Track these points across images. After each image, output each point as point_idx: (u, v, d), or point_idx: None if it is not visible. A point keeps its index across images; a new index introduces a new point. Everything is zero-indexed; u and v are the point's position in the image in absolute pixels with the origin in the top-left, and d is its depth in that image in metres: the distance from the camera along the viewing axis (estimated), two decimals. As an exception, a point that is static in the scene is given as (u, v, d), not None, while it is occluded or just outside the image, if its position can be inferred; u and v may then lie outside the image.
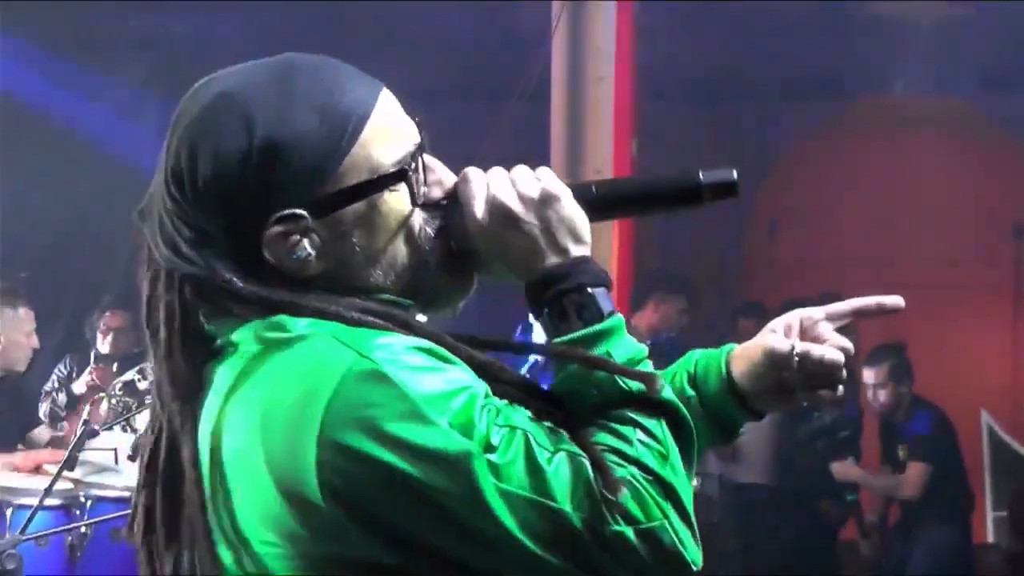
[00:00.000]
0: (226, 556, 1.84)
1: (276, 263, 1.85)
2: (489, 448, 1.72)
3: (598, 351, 1.86)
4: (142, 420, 6.74)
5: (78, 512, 6.02)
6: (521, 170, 1.96)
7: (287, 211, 1.84)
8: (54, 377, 7.67)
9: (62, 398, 7.61)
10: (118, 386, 7.11)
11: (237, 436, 1.81)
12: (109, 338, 7.93)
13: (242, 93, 1.86)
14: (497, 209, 1.91)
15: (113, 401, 6.96)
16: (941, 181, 10.75)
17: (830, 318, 2.23)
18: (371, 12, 9.62)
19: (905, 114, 11.02)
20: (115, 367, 7.71)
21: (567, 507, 1.72)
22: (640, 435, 1.81)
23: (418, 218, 1.92)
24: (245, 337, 1.84)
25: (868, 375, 8.03)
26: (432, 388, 1.74)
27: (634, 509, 1.74)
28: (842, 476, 8.18)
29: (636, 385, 1.84)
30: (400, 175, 1.89)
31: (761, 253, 11.29)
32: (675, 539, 1.77)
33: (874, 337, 8.97)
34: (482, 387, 1.79)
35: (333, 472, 1.72)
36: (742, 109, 11.39)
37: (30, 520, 5.41)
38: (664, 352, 7.79)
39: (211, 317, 1.88)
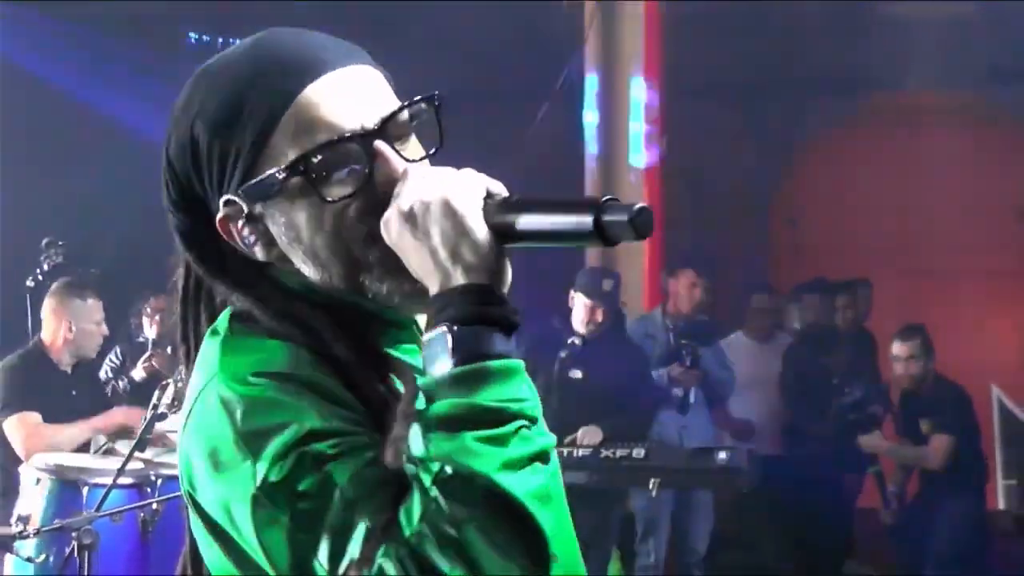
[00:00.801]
0: None
1: (242, 247, 1.78)
2: (285, 491, 1.57)
3: (445, 403, 1.54)
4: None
5: (149, 490, 6.02)
6: (439, 172, 1.67)
7: (227, 197, 1.74)
8: (107, 367, 7.63)
9: (123, 385, 7.58)
10: (183, 371, 7.09)
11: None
12: (156, 320, 7.86)
13: (198, 81, 1.79)
14: (394, 215, 1.64)
15: (179, 385, 6.94)
16: (953, 170, 10.69)
17: None
18: (404, 12, 9.57)
19: (918, 107, 10.97)
20: (169, 350, 7.69)
21: (322, 570, 1.55)
22: (432, 512, 1.50)
23: (343, 216, 1.70)
24: (219, 328, 1.81)
25: (898, 350, 7.97)
26: (251, 426, 1.62)
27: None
28: (870, 448, 8.14)
29: (453, 458, 1.52)
30: (298, 168, 1.69)
31: (786, 240, 11.24)
32: None
33: (895, 317, 8.94)
34: (311, 427, 1.59)
35: (185, 481, 1.72)
36: (766, 106, 11.34)
37: (105, 498, 5.43)
38: (696, 333, 7.80)
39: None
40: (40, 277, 7.18)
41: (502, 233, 1.61)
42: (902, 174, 10.78)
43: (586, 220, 1.57)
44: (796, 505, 8.35)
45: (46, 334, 6.83)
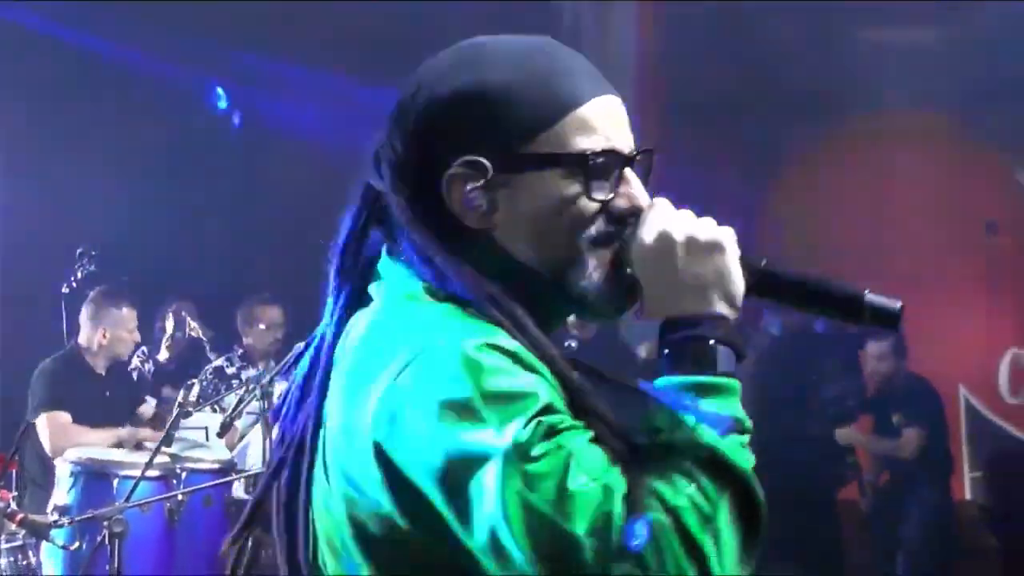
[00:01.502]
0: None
1: (447, 202, 1.75)
2: (526, 457, 1.53)
3: (702, 402, 1.65)
4: (229, 401, 6.80)
5: (175, 482, 6.07)
6: (706, 218, 1.80)
7: (474, 157, 1.74)
8: (137, 359, 7.62)
9: (148, 368, 7.59)
10: (209, 371, 7.13)
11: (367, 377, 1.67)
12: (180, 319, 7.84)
13: (482, 51, 1.81)
14: (663, 239, 1.74)
15: (203, 384, 6.98)
16: (924, 186, 10.70)
17: None
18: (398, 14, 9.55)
19: (891, 127, 10.97)
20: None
21: (580, 532, 1.51)
22: (693, 490, 1.57)
23: (588, 214, 1.77)
24: (387, 288, 1.77)
25: (872, 349, 8.05)
26: (496, 388, 1.57)
27: (649, 557, 1.51)
28: (847, 440, 8.18)
29: (717, 444, 1.62)
30: (580, 161, 1.75)
31: (770, 250, 11.25)
32: None
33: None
34: (548, 400, 1.60)
35: (382, 429, 1.62)
36: (753, 123, 11.33)
37: (134, 489, 5.47)
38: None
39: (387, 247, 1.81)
40: (74, 284, 7.22)
41: (757, 281, 1.80)
42: (877, 188, 10.79)
43: (856, 296, 1.80)
44: (781, 493, 8.37)
45: (83, 339, 6.87)
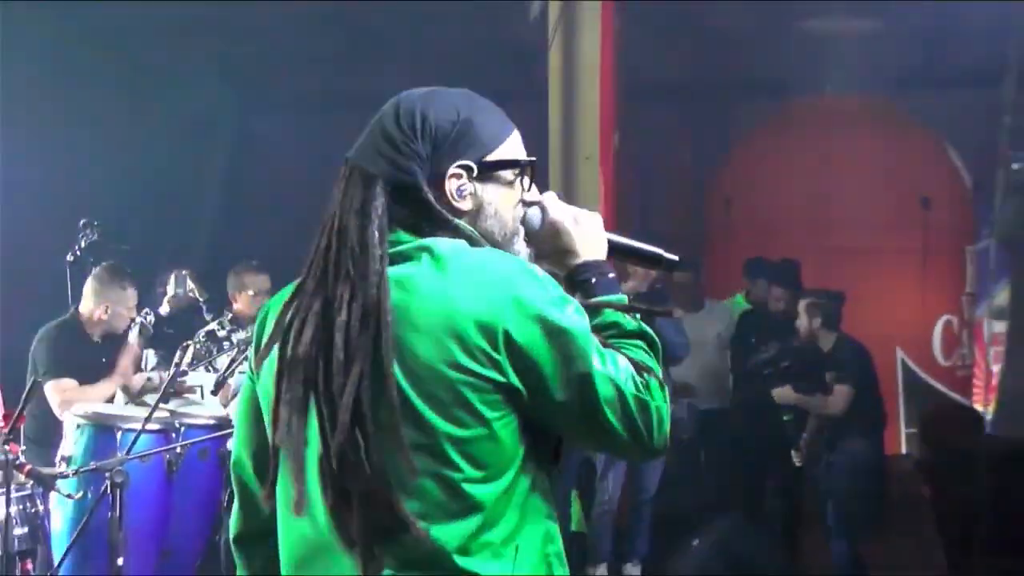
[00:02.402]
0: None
1: (447, 195, 2.26)
2: (587, 330, 2.22)
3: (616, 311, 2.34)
4: (221, 362, 6.77)
5: (173, 435, 6.04)
6: (579, 209, 2.46)
7: (465, 162, 2.27)
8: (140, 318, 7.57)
9: (150, 320, 7.52)
10: (201, 334, 7.09)
11: (467, 287, 2.14)
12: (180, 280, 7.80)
13: (449, 92, 2.33)
14: (567, 216, 2.42)
15: (197, 346, 6.93)
16: (864, 164, 10.72)
17: None
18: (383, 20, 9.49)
19: (834, 109, 10.98)
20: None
21: (626, 386, 2.17)
22: (644, 349, 2.28)
23: (517, 200, 2.37)
24: (440, 245, 2.19)
25: (803, 309, 8.04)
26: (560, 292, 2.22)
27: (655, 392, 2.20)
28: (782, 399, 8.18)
29: (631, 324, 2.32)
30: (523, 165, 2.36)
31: (719, 222, 11.26)
32: (664, 415, 2.22)
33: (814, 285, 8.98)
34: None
35: (510, 316, 2.12)
36: (704, 106, 11.35)
37: (135, 442, 5.44)
38: (654, 298, 7.85)
39: (403, 225, 2.22)
40: (78, 253, 7.15)
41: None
42: (821, 167, 10.80)
43: (656, 254, 2.55)
44: (731, 450, 8.43)
45: (84, 309, 6.82)
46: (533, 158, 2.38)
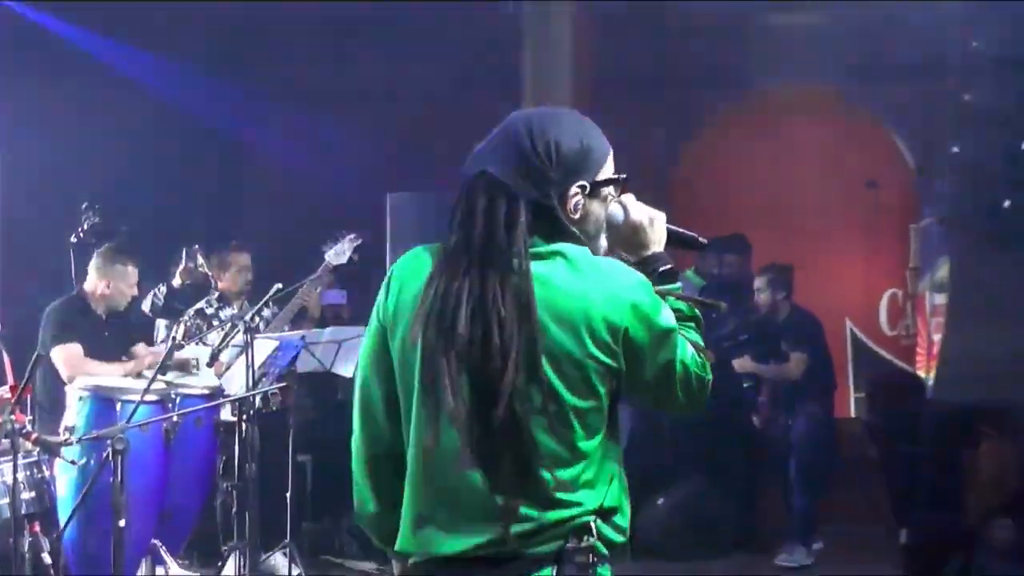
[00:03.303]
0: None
1: (568, 209, 2.53)
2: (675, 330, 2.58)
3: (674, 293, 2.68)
4: (212, 337, 6.74)
5: (170, 405, 6.02)
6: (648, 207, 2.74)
7: (581, 182, 2.54)
8: (152, 297, 7.51)
9: (162, 292, 7.45)
10: (191, 312, 7.06)
11: (600, 290, 2.47)
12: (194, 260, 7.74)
13: (570, 117, 2.58)
14: (635, 222, 2.69)
15: (188, 324, 6.91)
16: (815, 150, 10.71)
17: None
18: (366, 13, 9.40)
19: (788, 98, 10.96)
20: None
21: (692, 366, 2.59)
22: (696, 331, 2.67)
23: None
24: (570, 251, 2.50)
25: (758, 283, 8.08)
26: (658, 299, 2.57)
27: (707, 369, 2.63)
28: (742, 368, 8.20)
29: (688, 310, 2.69)
30: (624, 180, 2.65)
31: (683, 204, 11.23)
32: (708, 385, 2.64)
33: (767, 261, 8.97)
34: None
35: (629, 319, 2.47)
36: (665, 96, 11.29)
37: (134, 412, 5.41)
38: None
39: (537, 232, 2.48)
40: (81, 234, 7.09)
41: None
42: (774, 153, 10.78)
43: (695, 237, 2.88)
44: (696, 417, 8.35)
45: (88, 285, 6.77)
46: (626, 175, 2.64)
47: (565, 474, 2.44)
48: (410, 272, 2.56)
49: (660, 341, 2.51)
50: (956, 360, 7.94)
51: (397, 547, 2.55)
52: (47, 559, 5.33)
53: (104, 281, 6.71)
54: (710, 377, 2.62)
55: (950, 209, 8.42)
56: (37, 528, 5.42)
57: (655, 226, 2.70)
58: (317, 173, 9.56)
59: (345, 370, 6.82)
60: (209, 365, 6.49)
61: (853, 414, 10.21)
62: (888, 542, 7.48)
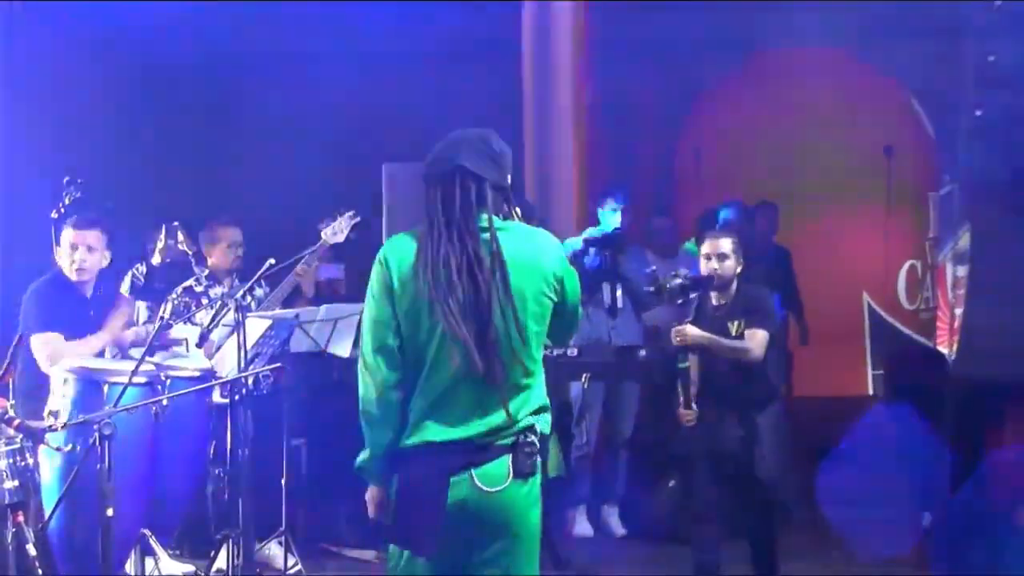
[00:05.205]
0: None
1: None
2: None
3: None
4: (200, 317, 6.70)
5: (159, 388, 5.97)
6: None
7: (508, 181, 3.68)
8: (132, 273, 7.47)
9: (142, 271, 7.42)
10: (179, 290, 7.00)
11: (548, 250, 3.69)
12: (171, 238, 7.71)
13: (494, 135, 3.73)
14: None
15: (176, 302, 6.83)
16: (827, 114, 10.68)
17: None
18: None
19: (798, 62, 10.93)
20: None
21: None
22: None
23: None
24: (509, 225, 3.64)
25: (731, 252, 7.01)
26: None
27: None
28: (682, 339, 6.55)
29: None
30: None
31: (689, 170, 11.21)
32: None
33: (781, 239, 8.91)
34: None
35: (564, 269, 3.68)
36: (669, 60, 11.26)
37: (122, 395, 5.38)
38: (609, 245, 7.74)
39: (497, 210, 3.63)
40: (62, 209, 7.02)
41: None
42: (784, 119, 10.77)
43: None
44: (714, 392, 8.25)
45: (58, 259, 6.70)
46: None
47: (528, 381, 3.57)
48: (402, 251, 3.60)
49: (574, 286, 3.68)
50: (979, 334, 7.91)
51: (400, 444, 3.57)
52: (32, 551, 5.29)
53: (69, 253, 6.58)
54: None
55: (972, 176, 8.38)
56: (21, 518, 5.38)
57: None
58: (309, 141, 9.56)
59: (341, 350, 6.79)
60: (199, 346, 6.46)
61: (871, 392, 10.22)
62: (908, 526, 7.47)
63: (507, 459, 3.51)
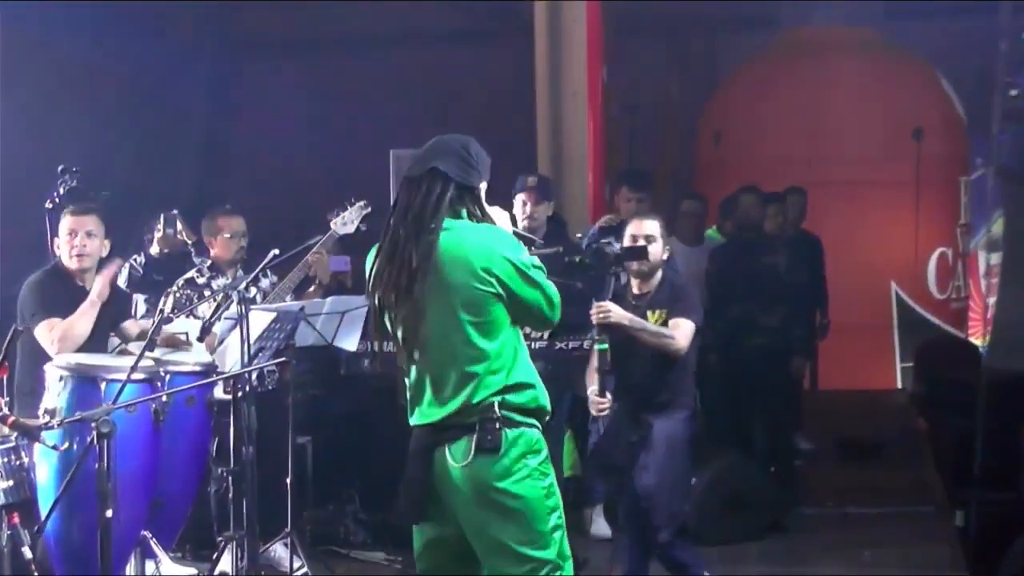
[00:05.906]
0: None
1: (480, 196, 4.06)
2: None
3: None
4: (203, 310, 6.65)
5: (159, 384, 5.95)
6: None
7: (481, 182, 4.04)
8: (131, 262, 7.43)
9: (140, 261, 7.39)
10: (181, 282, 6.94)
11: (479, 244, 3.93)
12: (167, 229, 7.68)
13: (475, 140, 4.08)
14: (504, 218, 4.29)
15: (177, 294, 6.77)
16: (853, 95, 10.63)
17: None
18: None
19: (822, 41, 10.88)
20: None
21: (549, 291, 4.02)
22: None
23: None
24: (457, 224, 3.94)
25: (658, 236, 6.18)
26: (519, 245, 4.04)
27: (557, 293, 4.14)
28: (618, 319, 5.86)
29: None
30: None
31: (709, 156, 11.16)
32: (557, 303, 4.16)
33: (807, 224, 8.83)
34: None
35: (496, 260, 3.91)
36: (691, 41, 11.22)
37: (120, 392, 5.33)
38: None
39: (454, 206, 3.97)
40: (56, 200, 6.99)
41: None
42: (810, 100, 10.71)
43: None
44: (720, 388, 8.27)
45: (57, 250, 6.67)
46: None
47: (477, 368, 3.91)
48: (375, 250, 4.07)
49: (509, 274, 3.91)
50: (1013, 324, 7.86)
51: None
52: (27, 553, 5.28)
53: (69, 242, 6.55)
54: (559, 298, 4.05)
55: (1006, 159, 8.33)
56: (16, 520, 5.37)
57: (500, 222, 4.12)
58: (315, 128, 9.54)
59: (348, 343, 6.75)
60: (200, 339, 6.41)
61: (899, 385, 10.17)
62: (940, 523, 7.42)
63: (469, 438, 3.92)
